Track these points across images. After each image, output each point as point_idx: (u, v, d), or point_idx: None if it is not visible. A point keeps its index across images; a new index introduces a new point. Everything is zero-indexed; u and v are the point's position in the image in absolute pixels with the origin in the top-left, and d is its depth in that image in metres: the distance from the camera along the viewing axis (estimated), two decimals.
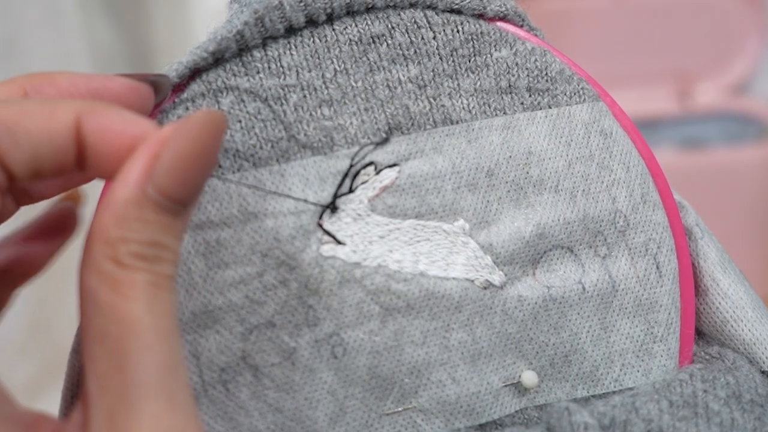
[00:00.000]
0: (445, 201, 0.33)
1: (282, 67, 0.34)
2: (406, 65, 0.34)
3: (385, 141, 0.33)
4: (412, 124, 0.34)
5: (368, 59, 0.34)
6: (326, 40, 0.34)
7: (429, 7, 0.35)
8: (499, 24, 0.36)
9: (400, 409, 0.33)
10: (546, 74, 0.35)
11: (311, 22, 0.34)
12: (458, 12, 0.35)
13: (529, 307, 0.34)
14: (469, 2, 0.35)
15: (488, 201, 0.34)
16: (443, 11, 0.35)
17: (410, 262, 0.33)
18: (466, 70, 0.35)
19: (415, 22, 0.35)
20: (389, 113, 0.34)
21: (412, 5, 0.35)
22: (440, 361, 0.33)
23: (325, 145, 0.33)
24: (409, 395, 0.33)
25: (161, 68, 0.33)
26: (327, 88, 0.34)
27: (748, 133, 1.08)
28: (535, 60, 0.35)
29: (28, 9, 0.71)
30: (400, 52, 0.34)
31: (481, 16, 0.36)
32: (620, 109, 0.36)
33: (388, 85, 0.34)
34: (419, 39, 0.35)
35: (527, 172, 0.34)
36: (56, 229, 0.36)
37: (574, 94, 0.35)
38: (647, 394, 0.33)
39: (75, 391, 0.32)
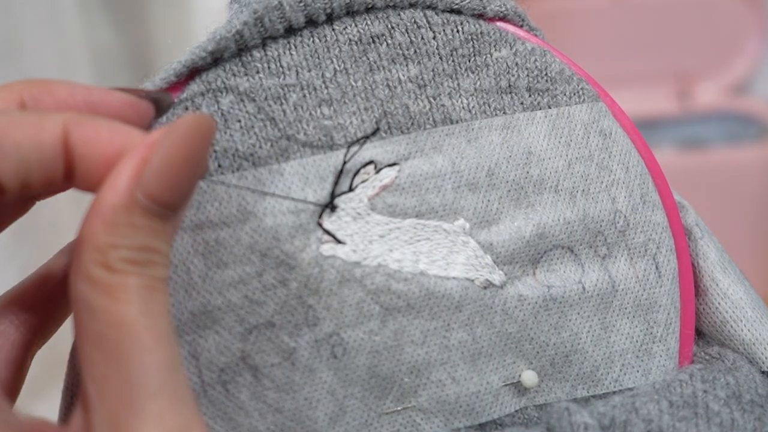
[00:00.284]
0: (445, 200, 0.33)
1: (282, 66, 0.34)
2: (406, 65, 0.34)
3: (375, 132, 0.33)
4: (412, 124, 0.34)
5: (368, 59, 0.34)
6: (326, 40, 0.34)
7: (429, 7, 0.35)
8: (499, 24, 0.36)
9: (399, 408, 0.33)
10: (546, 74, 0.35)
11: (311, 22, 0.34)
12: (458, 12, 0.35)
13: (529, 306, 0.34)
14: (469, 2, 0.35)
15: (488, 200, 0.34)
16: (443, 11, 0.35)
17: (410, 261, 0.33)
18: (466, 69, 0.35)
19: (414, 22, 0.35)
20: (389, 113, 0.34)
21: (411, 5, 0.35)
22: (440, 360, 0.33)
23: (325, 144, 0.33)
24: (409, 395, 0.33)
25: (161, 68, 0.33)
26: (327, 87, 0.34)
27: (748, 133, 1.08)
28: (535, 60, 0.35)
29: (28, 9, 0.71)
30: (400, 52, 0.34)
31: (480, 16, 0.36)
32: (620, 109, 0.36)
33: (387, 85, 0.34)
34: (419, 39, 0.35)
35: (527, 172, 0.34)
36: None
37: (574, 94, 0.35)
38: (647, 395, 0.33)
39: (75, 391, 0.32)
